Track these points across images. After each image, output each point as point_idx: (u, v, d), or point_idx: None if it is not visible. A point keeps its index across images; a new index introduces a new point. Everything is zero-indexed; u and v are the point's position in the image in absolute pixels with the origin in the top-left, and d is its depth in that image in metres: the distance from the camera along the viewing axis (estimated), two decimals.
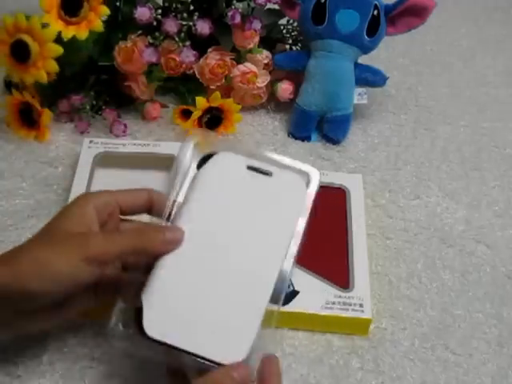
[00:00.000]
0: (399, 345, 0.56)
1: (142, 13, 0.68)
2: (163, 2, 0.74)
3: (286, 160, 0.51)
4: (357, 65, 0.74)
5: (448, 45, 0.98)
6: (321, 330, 0.56)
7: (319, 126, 0.76)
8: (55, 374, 0.50)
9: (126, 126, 0.72)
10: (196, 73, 0.74)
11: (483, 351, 0.57)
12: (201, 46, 0.72)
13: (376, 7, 0.72)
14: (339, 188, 0.66)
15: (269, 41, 0.79)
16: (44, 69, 0.66)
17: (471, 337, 0.58)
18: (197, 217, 0.46)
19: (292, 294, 0.55)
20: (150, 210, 0.49)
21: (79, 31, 0.66)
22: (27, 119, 0.70)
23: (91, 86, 0.73)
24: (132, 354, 0.51)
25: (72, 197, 0.60)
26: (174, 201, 0.48)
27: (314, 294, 0.56)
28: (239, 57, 0.75)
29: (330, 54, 0.73)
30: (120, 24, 0.73)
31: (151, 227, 0.47)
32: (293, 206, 0.48)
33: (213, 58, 0.73)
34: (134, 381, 0.51)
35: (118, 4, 0.74)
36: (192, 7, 0.70)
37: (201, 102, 0.70)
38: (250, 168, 0.48)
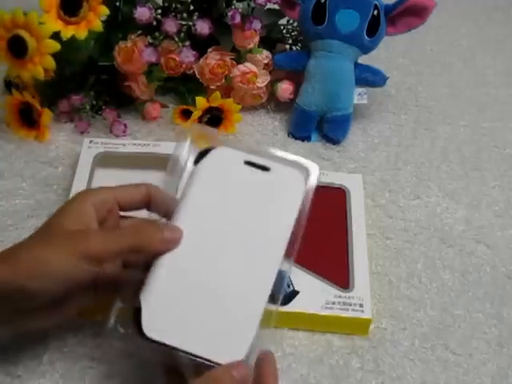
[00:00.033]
0: (399, 345, 0.56)
1: (142, 13, 0.68)
2: (163, 2, 0.74)
3: (284, 155, 0.50)
4: (357, 65, 0.74)
5: (448, 45, 0.98)
6: (321, 330, 0.56)
7: (319, 126, 0.76)
8: (55, 374, 0.50)
9: (126, 125, 0.72)
10: (196, 73, 0.74)
11: (483, 351, 0.57)
12: (201, 46, 0.72)
13: (376, 7, 0.72)
14: (339, 188, 0.66)
15: (269, 41, 0.79)
16: (41, 65, 0.65)
17: (471, 337, 0.58)
18: (194, 214, 0.46)
19: (292, 294, 0.55)
20: (148, 205, 0.49)
21: (78, 31, 0.66)
22: (27, 119, 0.70)
23: (91, 85, 0.73)
24: (131, 354, 0.51)
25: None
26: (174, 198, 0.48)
27: (314, 294, 0.56)
28: (239, 57, 0.75)
29: (330, 54, 0.73)
30: (120, 24, 0.73)
31: (150, 225, 0.47)
32: (291, 202, 0.47)
33: (213, 57, 0.73)
34: (134, 381, 0.51)
35: (117, 4, 0.74)
36: (192, 7, 0.70)
37: (201, 102, 0.70)
38: (248, 163, 0.48)
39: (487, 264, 0.64)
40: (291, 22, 0.81)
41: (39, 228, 0.46)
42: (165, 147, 0.66)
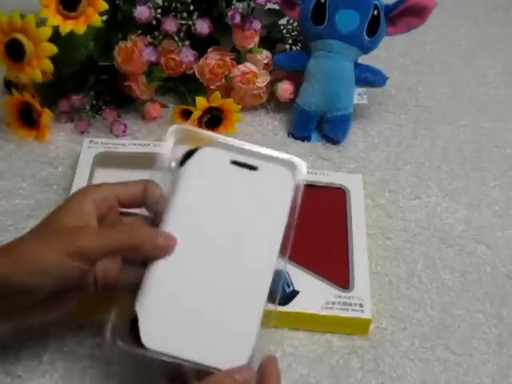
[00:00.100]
0: (399, 345, 0.56)
1: (142, 12, 0.68)
2: (163, 2, 0.74)
3: (270, 152, 0.49)
4: (357, 65, 0.74)
5: (448, 45, 0.98)
6: (321, 330, 0.56)
7: (319, 125, 0.76)
8: (55, 374, 0.50)
9: (126, 125, 0.72)
10: (196, 73, 0.74)
11: (483, 351, 0.57)
12: (201, 45, 0.72)
13: (376, 7, 0.72)
14: (339, 188, 0.66)
15: (269, 41, 0.79)
16: (39, 68, 0.66)
17: (471, 337, 0.58)
18: (184, 218, 0.45)
19: (292, 294, 0.55)
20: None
21: (77, 26, 0.66)
22: (27, 119, 0.70)
23: (91, 86, 0.73)
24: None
25: None
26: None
27: (314, 294, 0.56)
28: (239, 57, 0.75)
29: (330, 54, 0.73)
30: (120, 23, 0.73)
31: (144, 228, 0.46)
32: (282, 200, 0.47)
33: (213, 58, 0.73)
34: (134, 381, 0.51)
35: (117, 2, 0.74)
36: (192, 7, 0.70)
37: (201, 102, 0.70)
38: (235, 163, 0.47)
39: (487, 264, 0.64)
40: (291, 22, 0.81)
41: (39, 223, 0.46)
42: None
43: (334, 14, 0.71)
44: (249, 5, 0.75)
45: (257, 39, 0.74)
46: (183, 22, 0.70)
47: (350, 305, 0.55)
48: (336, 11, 0.71)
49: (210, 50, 0.73)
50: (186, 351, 0.42)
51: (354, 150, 0.75)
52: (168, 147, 0.49)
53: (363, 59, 0.75)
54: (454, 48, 0.97)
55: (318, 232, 0.61)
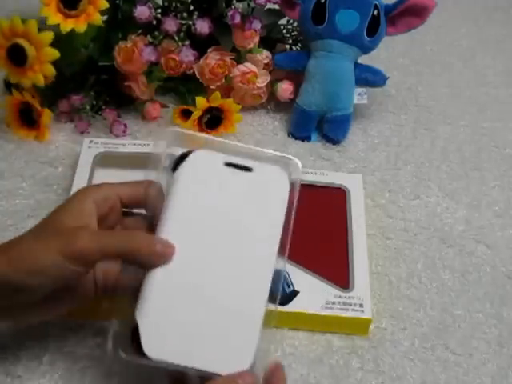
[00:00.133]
0: (399, 345, 0.56)
1: (142, 11, 0.68)
2: (163, 2, 0.74)
3: (263, 152, 0.48)
4: (357, 65, 0.74)
5: (448, 45, 0.98)
6: (321, 330, 0.56)
7: (319, 125, 0.76)
8: (55, 374, 0.50)
9: (126, 125, 0.72)
10: (196, 73, 0.74)
11: (483, 351, 0.57)
12: (201, 45, 0.72)
13: (376, 7, 0.72)
14: (339, 188, 0.66)
15: (269, 41, 0.79)
16: (41, 72, 0.66)
17: (471, 337, 0.58)
18: (181, 224, 0.44)
19: (292, 294, 0.55)
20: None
21: (78, 24, 0.66)
22: (27, 119, 0.70)
23: (91, 85, 0.73)
24: None
25: None
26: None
27: (314, 294, 0.56)
28: (239, 57, 0.75)
29: (330, 54, 0.73)
30: (120, 23, 0.73)
31: (143, 234, 0.45)
32: (278, 199, 0.46)
33: (213, 58, 0.73)
34: (134, 381, 0.51)
35: (117, 2, 0.74)
36: (192, 7, 0.70)
37: (201, 101, 0.70)
38: (229, 165, 0.46)
39: (487, 264, 0.64)
40: (291, 22, 0.81)
41: (39, 223, 0.45)
42: None
43: (333, 14, 0.71)
44: (249, 5, 0.75)
45: (257, 39, 0.74)
46: (183, 21, 0.70)
47: (350, 305, 0.55)
48: (336, 11, 0.71)
49: (209, 50, 0.73)
50: (189, 359, 0.42)
51: (354, 150, 0.75)
52: (162, 146, 0.48)
53: (363, 59, 0.75)
54: (454, 48, 0.97)
55: (318, 232, 0.61)
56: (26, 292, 0.42)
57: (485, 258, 0.65)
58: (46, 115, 0.69)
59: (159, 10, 0.70)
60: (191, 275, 0.43)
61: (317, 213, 0.62)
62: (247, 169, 0.46)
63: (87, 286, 0.46)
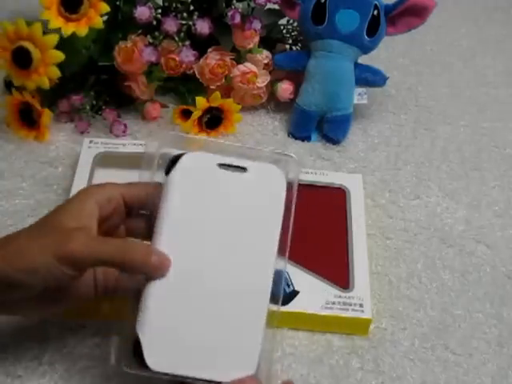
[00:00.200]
0: (399, 345, 0.56)
1: (142, 12, 0.68)
2: (163, 2, 0.74)
3: (257, 151, 0.48)
4: (357, 65, 0.74)
5: (448, 45, 0.98)
6: (321, 330, 0.56)
7: (319, 125, 0.76)
8: (55, 375, 0.50)
9: (126, 125, 0.72)
10: (196, 73, 0.74)
11: (483, 351, 0.57)
12: (201, 45, 0.72)
13: (376, 7, 0.72)
14: (339, 188, 0.66)
15: (269, 41, 0.79)
16: (46, 75, 0.66)
17: (471, 337, 0.58)
18: (177, 230, 0.43)
19: (292, 294, 0.55)
20: None
21: (79, 28, 0.66)
22: (27, 119, 0.70)
23: (91, 85, 0.73)
24: None
25: None
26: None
27: (314, 294, 0.56)
28: (239, 57, 0.75)
29: (330, 54, 0.73)
30: (120, 23, 0.73)
31: (139, 245, 0.44)
32: (275, 199, 0.45)
33: (213, 58, 0.73)
34: (134, 381, 0.50)
35: (117, 3, 0.74)
36: (192, 7, 0.70)
37: (201, 102, 0.70)
38: (223, 166, 0.45)
39: (487, 264, 0.64)
40: (291, 22, 0.81)
41: (38, 220, 0.45)
42: None
43: (333, 14, 0.71)
44: (249, 5, 0.75)
45: (257, 39, 0.74)
46: (183, 22, 0.70)
47: (350, 305, 0.55)
48: (336, 11, 0.71)
49: (209, 49, 0.73)
50: (194, 369, 0.41)
51: (354, 150, 0.75)
52: (154, 146, 0.47)
53: (363, 59, 0.75)
54: (454, 48, 0.97)
55: (318, 232, 0.61)
56: (19, 288, 0.42)
57: (485, 258, 0.65)
58: (46, 115, 0.69)
59: (159, 11, 0.70)
60: (190, 282, 0.43)
61: (317, 213, 0.62)
62: (242, 169, 0.45)
63: (87, 286, 0.45)
